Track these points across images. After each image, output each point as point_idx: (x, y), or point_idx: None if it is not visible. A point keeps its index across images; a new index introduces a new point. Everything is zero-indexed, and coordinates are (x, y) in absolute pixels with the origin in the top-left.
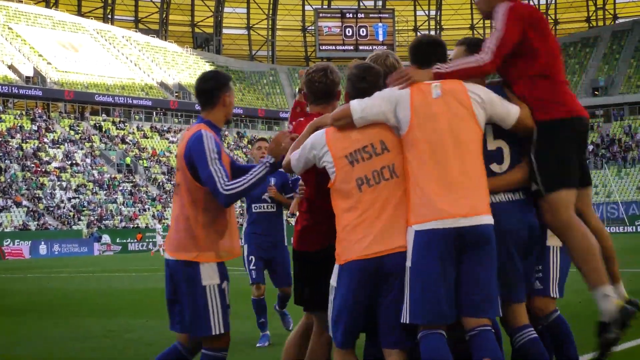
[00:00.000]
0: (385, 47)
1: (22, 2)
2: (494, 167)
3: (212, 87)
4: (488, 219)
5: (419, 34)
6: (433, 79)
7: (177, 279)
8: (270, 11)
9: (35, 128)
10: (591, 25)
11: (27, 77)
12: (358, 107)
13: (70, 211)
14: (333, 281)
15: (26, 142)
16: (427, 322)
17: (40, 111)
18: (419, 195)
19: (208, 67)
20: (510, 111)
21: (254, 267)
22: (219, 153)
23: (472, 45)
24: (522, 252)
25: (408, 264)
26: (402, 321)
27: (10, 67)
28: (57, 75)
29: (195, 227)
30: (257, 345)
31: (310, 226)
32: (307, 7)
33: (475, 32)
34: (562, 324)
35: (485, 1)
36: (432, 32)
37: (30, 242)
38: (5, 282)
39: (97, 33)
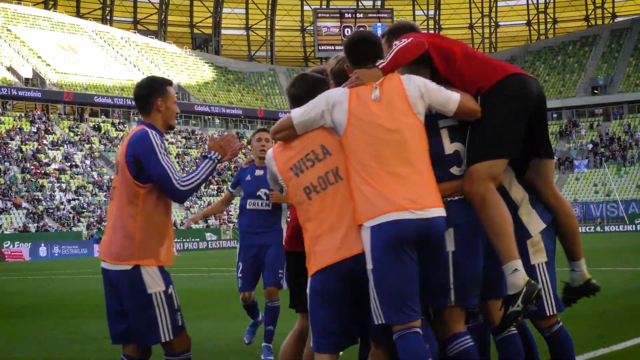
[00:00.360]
0: None
1: (20, 3)
2: (454, 170)
3: (145, 94)
4: (440, 211)
5: None
6: (381, 76)
7: (121, 289)
8: (269, 12)
9: (35, 130)
10: (590, 24)
11: (26, 79)
12: (297, 113)
13: (70, 213)
14: (309, 290)
15: (25, 144)
16: (400, 321)
17: (39, 113)
18: (366, 193)
19: (207, 68)
20: (451, 97)
21: (241, 275)
22: (166, 150)
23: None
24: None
25: (369, 266)
26: (374, 323)
27: (9, 68)
28: (56, 76)
29: (134, 232)
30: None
31: (299, 226)
32: (305, 8)
33: (474, 31)
34: (562, 334)
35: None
36: (431, 32)
37: (30, 244)
38: (5, 284)
39: (96, 34)
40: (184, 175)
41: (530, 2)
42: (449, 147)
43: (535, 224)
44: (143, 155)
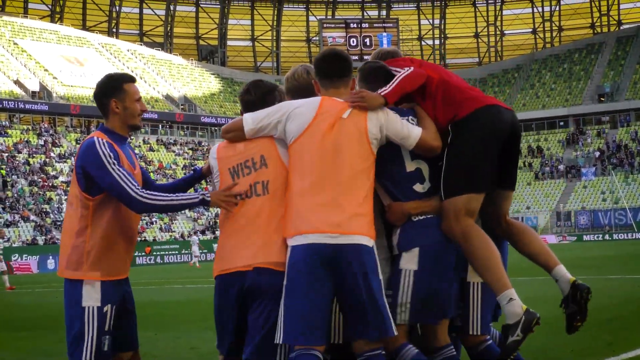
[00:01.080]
0: None
1: (27, 17)
2: (417, 187)
3: (99, 95)
4: (362, 239)
5: (423, 43)
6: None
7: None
8: (275, 22)
9: (42, 143)
10: (596, 31)
11: (33, 92)
12: (250, 118)
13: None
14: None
15: (33, 157)
16: (300, 342)
17: (46, 126)
18: (295, 207)
19: (213, 79)
20: (411, 133)
21: None
22: (117, 158)
23: (367, 73)
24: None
25: (284, 282)
26: (276, 341)
27: (16, 82)
28: (63, 89)
29: (83, 245)
30: None
31: None
32: (311, 18)
33: (479, 39)
34: (486, 355)
35: None
36: (437, 41)
37: (38, 256)
38: (14, 296)
39: (102, 47)
40: (155, 191)
41: (535, 10)
42: (410, 164)
43: None
44: (90, 167)
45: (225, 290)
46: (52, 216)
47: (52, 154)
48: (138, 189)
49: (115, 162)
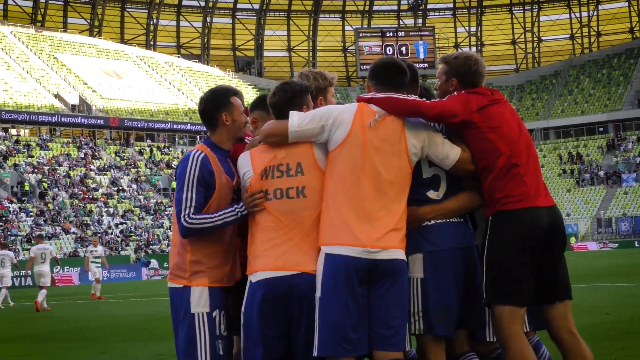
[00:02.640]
0: (426, 64)
1: (66, 31)
2: (431, 194)
3: (209, 109)
4: (399, 254)
5: (459, 50)
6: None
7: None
8: (311, 32)
9: (82, 155)
10: (635, 36)
11: (72, 105)
12: (296, 120)
13: (118, 237)
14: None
15: (73, 170)
16: (336, 354)
17: (86, 139)
18: (333, 215)
19: (250, 90)
20: (450, 154)
21: None
22: (201, 179)
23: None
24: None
25: (317, 294)
26: (313, 354)
27: (57, 96)
28: (102, 102)
29: (184, 252)
30: None
31: None
32: (347, 28)
33: (517, 46)
34: None
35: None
36: (473, 49)
37: (79, 268)
38: (56, 308)
39: (140, 59)
40: (200, 214)
41: (573, 16)
42: (427, 171)
43: None
44: (176, 178)
45: (272, 294)
46: (92, 228)
47: (91, 167)
48: (189, 212)
49: (195, 182)
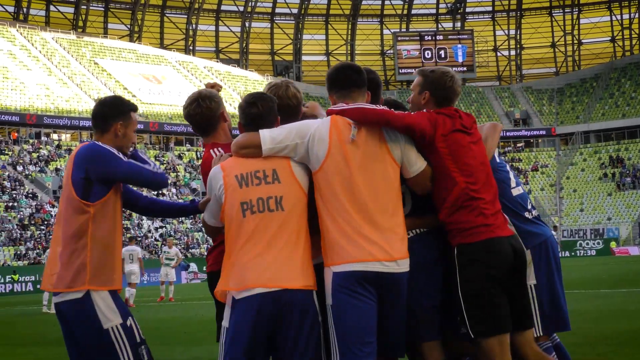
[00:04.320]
0: (465, 68)
1: (107, 37)
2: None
3: (107, 112)
4: (404, 264)
5: (499, 54)
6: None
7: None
8: (349, 37)
9: None
10: None
11: None
12: (268, 137)
13: (158, 240)
14: (225, 322)
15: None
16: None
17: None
18: (333, 235)
19: None
20: (417, 162)
21: None
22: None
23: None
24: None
25: (330, 301)
26: None
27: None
28: (141, 107)
29: (85, 257)
30: None
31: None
32: (385, 32)
33: (556, 49)
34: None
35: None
36: (512, 52)
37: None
38: None
39: (180, 64)
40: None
41: (614, 18)
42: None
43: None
44: (99, 163)
45: (252, 311)
46: (132, 232)
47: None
48: (152, 165)
49: (120, 155)
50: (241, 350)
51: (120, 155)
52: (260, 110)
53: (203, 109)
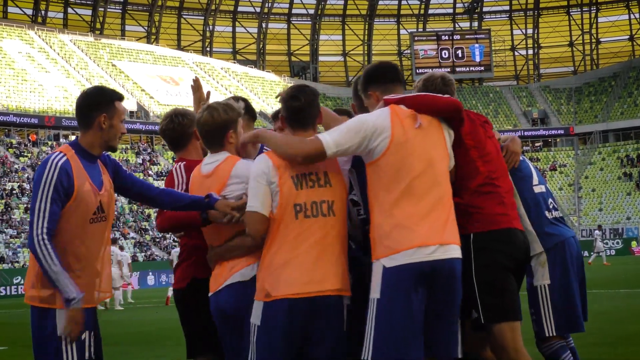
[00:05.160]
0: (482, 67)
1: (124, 39)
2: None
3: (88, 105)
4: (458, 252)
5: (516, 53)
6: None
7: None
8: (366, 37)
9: (140, 161)
10: None
11: (130, 112)
12: (332, 142)
13: (175, 242)
14: (256, 319)
15: None
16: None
17: (144, 144)
18: (388, 224)
19: None
20: (452, 157)
21: None
22: (59, 186)
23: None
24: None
25: (376, 295)
26: (363, 358)
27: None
28: (159, 108)
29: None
30: None
31: (195, 246)
32: (402, 31)
33: (574, 48)
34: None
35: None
36: (530, 51)
37: (138, 273)
38: (114, 313)
39: (197, 66)
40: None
41: (632, 16)
42: None
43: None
44: (33, 187)
45: (292, 315)
46: (150, 233)
47: (150, 172)
48: (42, 226)
49: (50, 193)
50: (276, 354)
51: (47, 189)
52: (302, 103)
53: (175, 125)
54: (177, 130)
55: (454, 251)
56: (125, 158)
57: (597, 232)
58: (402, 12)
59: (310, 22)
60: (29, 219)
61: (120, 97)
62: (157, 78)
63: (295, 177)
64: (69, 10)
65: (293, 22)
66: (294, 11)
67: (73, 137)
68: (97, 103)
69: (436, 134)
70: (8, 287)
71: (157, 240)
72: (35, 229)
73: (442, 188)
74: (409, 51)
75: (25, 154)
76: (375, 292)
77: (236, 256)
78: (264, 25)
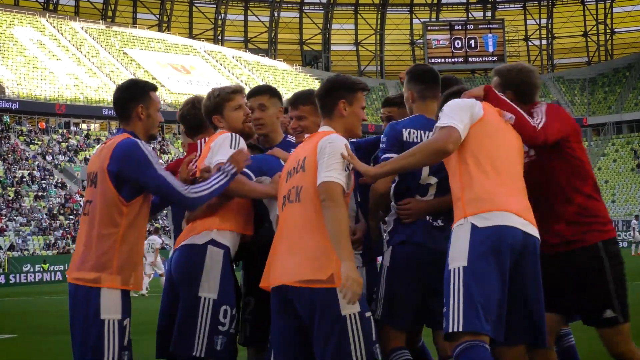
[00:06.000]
0: (495, 58)
1: (135, 27)
2: (417, 198)
3: (125, 98)
4: (537, 231)
5: (530, 43)
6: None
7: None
8: (378, 26)
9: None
10: None
11: None
12: (461, 124)
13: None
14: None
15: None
16: (481, 330)
17: None
18: (483, 185)
19: (318, 84)
20: None
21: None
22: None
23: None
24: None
25: (463, 263)
26: (449, 331)
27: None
28: (170, 97)
29: (112, 253)
30: None
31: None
32: (415, 21)
33: (589, 38)
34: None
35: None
36: (544, 41)
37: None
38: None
39: (208, 54)
40: (193, 185)
41: None
42: (426, 178)
43: None
44: (134, 166)
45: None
46: (160, 222)
47: (160, 161)
48: (183, 186)
49: (158, 161)
50: (277, 344)
51: (155, 162)
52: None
53: (197, 111)
54: (198, 116)
55: (537, 232)
56: None
57: (634, 221)
58: (415, 1)
59: (322, 11)
60: (170, 194)
61: (154, 88)
62: (169, 66)
63: (288, 172)
64: None
65: (305, 10)
66: (306, 0)
67: (84, 125)
68: (133, 95)
69: (511, 136)
70: (18, 275)
71: (167, 229)
72: (182, 192)
73: (520, 169)
74: (421, 41)
75: (35, 142)
76: (461, 259)
77: None
78: (275, 13)
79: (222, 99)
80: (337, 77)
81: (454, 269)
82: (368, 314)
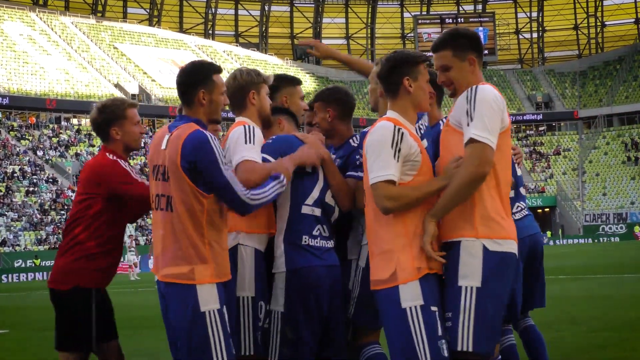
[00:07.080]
0: (486, 51)
1: (126, 21)
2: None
3: (186, 83)
4: None
5: (520, 36)
6: None
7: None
8: (369, 20)
9: (142, 144)
10: None
11: (132, 95)
12: (489, 132)
13: None
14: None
15: (133, 159)
16: (487, 352)
17: (146, 127)
18: (493, 205)
19: (309, 79)
20: None
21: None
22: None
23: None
24: None
25: (476, 283)
26: (457, 349)
27: (117, 85)
28: (161, 92)
29: (201, 244)
30: None
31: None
32: (405, 15)
33: (579, 31)
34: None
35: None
36: (535, 35)
37: (140, 256)
38: (116, 296)
39: (199, 49)
40: (254, 189)
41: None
42: None
43: None
44: (206, 164)
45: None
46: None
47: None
48: (243, 190)
49: (224, 160)
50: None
51: (221, 162)
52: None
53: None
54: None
55: None
56: None
57: None
58: None
59: (313, 5)
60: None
61: (218, 70)
62: (159, 61)
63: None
64: None
65: (296, 4)
66: None
67: (75, 120)
68: (195, 79)
69: None
70: (10, 272)
71: None
72: (242, 196)
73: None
74: (412, 34)
75: (26, 137)
76: (474, 279)
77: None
78: (266, 8)
79: (262, 79)
80: (396, 54)
81: (467, 287)
82: (434, 308)
